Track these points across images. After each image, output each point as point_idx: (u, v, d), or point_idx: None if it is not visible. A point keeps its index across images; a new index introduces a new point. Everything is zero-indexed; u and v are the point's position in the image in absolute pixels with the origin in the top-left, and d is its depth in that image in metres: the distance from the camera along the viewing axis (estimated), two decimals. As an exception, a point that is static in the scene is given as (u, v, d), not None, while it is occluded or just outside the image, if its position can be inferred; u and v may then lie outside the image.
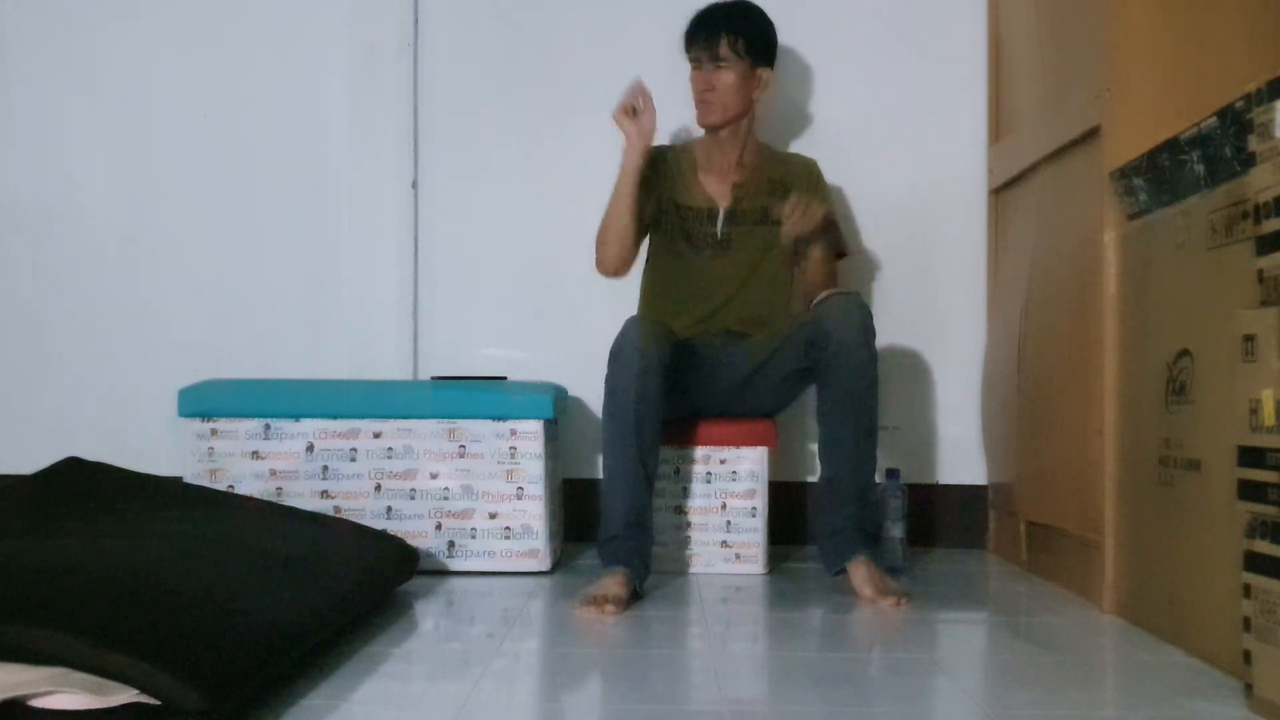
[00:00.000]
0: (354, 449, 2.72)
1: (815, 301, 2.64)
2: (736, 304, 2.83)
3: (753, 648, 2.19)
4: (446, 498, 2.71)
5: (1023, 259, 2.85)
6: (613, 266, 2.83)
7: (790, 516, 2.89)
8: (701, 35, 2.78)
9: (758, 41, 2.80)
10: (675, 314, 2.82)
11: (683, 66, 2.85)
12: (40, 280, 3.28)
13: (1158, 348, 2.11)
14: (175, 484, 2.62)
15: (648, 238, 2.90)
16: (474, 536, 2.70)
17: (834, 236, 2.87)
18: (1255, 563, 1.64)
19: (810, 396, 2.73)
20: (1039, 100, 2.75)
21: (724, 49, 2.76)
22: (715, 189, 2.85)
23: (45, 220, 3.28)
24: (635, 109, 2.73)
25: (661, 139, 2.94)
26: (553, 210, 3.23)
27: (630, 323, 2.58)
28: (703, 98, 2.80)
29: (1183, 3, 2.27)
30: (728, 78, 2.77)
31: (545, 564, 2.71)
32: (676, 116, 2.96)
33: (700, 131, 2.91)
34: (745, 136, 2.86)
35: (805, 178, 2.87)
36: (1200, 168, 1.98)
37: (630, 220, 2.77)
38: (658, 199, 2.85)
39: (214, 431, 2.73)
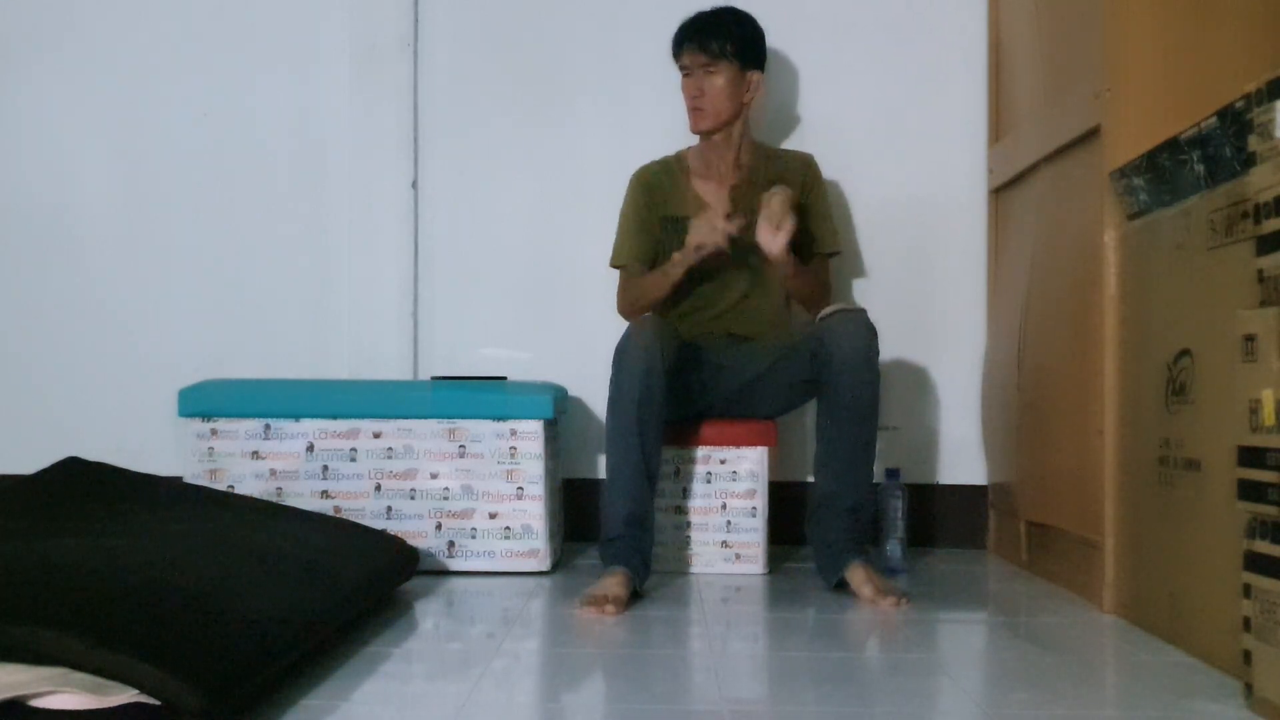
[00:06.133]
0: (354, 449, 2.72)
1: (821, 315, 2.62)
2: (739, 308, 2.83)
3: (753, 648, 2.19)
4: (446, 498, 2.71)
5: (1023, 259, 2.84)
6: (637, 318, 2.73)
7: (790, 516, 2.88)
8: (689, 41, 2.78)
9: (746, 44, 2.79)
10: (678, 318, 2.82)
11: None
12: (40, 280, 3.28)
13: (1158, 348, 2.11)
14: (175, 484, 2.62)
15: None
16: (474, 536, 2.70)
17: (825, 232, 2.86)
18: (1255, 563, 1.64)
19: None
20: (1039, 100, 2.75)
21: (713, 53, 2.75)
22: (712, 196, 2.83)
23: (45, 220, 3.28)
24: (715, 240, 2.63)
25: (657, 146, 2.94)
26: (553, 209, 3.23)
27: (635, 323, 2.57)
28: (694, 104, 2.79)
29: (1182, 2, 2.27)
30: (718, 82, 2.77)
31: (545, 564, 2.71)
32: (674, 122, 2.95)
33: (691, 142, 2.91)
34: (739, 140, 2.85)
35: (803, 174, 2.87)
36: (1200, 168, 1.98)
37: (668, 295, 2.76)
38: (654, 229, 2.85)
39: (214, 431, 2.73)
